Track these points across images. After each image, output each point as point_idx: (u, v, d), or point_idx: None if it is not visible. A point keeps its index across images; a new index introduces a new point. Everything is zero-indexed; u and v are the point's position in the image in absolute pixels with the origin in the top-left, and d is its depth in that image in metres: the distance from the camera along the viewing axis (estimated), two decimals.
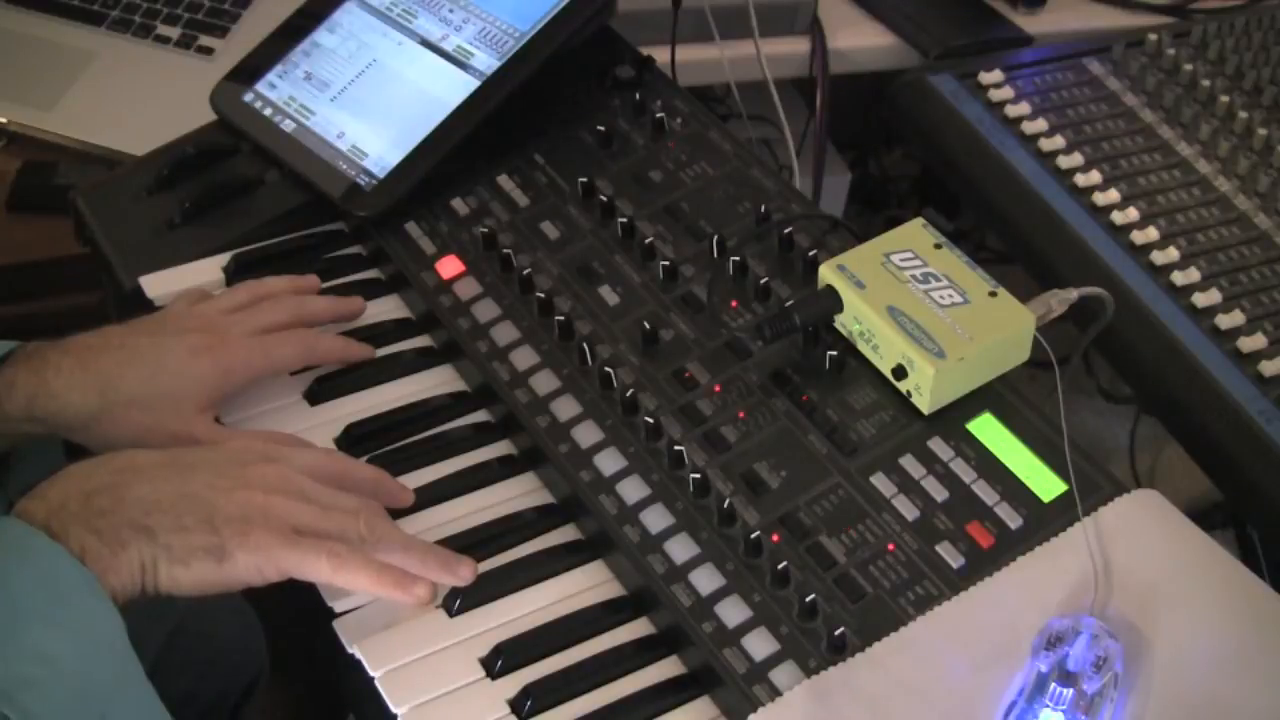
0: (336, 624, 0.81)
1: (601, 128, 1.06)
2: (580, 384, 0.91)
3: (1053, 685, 0.74)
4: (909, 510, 0.83)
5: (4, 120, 1.25)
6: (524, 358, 0.93)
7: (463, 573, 0.80)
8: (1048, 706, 0.74)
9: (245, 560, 0.75)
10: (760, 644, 0.78)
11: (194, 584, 0.74)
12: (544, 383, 0.92)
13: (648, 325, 0.92)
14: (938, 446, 0.86)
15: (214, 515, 0.75)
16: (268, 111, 1.09)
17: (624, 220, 0.99)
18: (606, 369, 0.90)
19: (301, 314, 0.95)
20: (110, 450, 0.87)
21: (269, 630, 1.13)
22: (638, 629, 0.82)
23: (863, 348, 0.89)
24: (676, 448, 0.86)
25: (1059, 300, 0.91)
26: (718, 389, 0.90)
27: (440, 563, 0.80)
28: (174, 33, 1.35)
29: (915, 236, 0.92)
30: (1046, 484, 0.84)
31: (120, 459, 0.77)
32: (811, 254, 0.95)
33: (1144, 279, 1.05)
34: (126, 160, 1.17)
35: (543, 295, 0.95)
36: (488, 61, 1.05)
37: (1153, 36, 1.28)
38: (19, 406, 0.85)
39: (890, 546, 0.81)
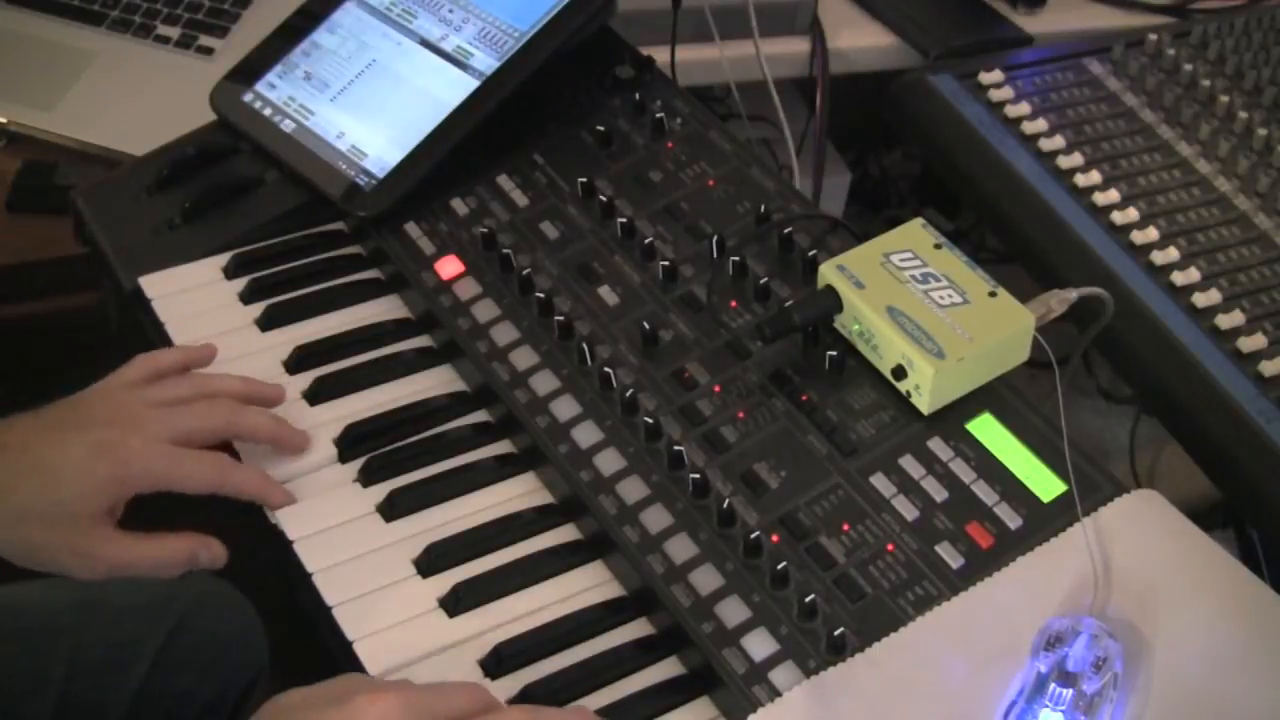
0: (337, 612, 0.82)
1: (601, 128, 1.06)
2: (580, 384, 0.91)
3: (1052, 685, 0.73)
4: (909, 510, 0.83)
5: (4, 120, 1.25)
6: (524, 358, 0.93)
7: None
8: (1047, 707, 0.74)
9: None
10: (760, 644, 0.78)
11: None
12: (544, 383, 0.92)
13: (648, 325, 0.92)
14: (937, 447, 0.86)
15: None
16: (267, 111, 1.09)
17: (624, 220, 0.99)
18: (606, 369, 0.90)
19: (235, 425, 0.88)
20: (20, 559, 0.83)
21: (269, 629, 1.13)
22: (638, 629, 0.82)
23: (862, 348, 0.89)
24: (676, 448, 0.85)
25: (1059, 300, 0.91)
26: (717, 389, 0.90)
27: None
28: (174, 33, 1.35)
29: (915, 236, 0.92)
30: (1046, 484, 0.84)
31: None
32: (811, 254, 0.95)
33: (1144, 279, 1.05)
34: (126, 160, 1.17)
35: (542, 295, 0.95)
36: (487, 61, 1.05)
37: (1153, 36, 1.28)
38: None
39: (890, 547, 0.81)
